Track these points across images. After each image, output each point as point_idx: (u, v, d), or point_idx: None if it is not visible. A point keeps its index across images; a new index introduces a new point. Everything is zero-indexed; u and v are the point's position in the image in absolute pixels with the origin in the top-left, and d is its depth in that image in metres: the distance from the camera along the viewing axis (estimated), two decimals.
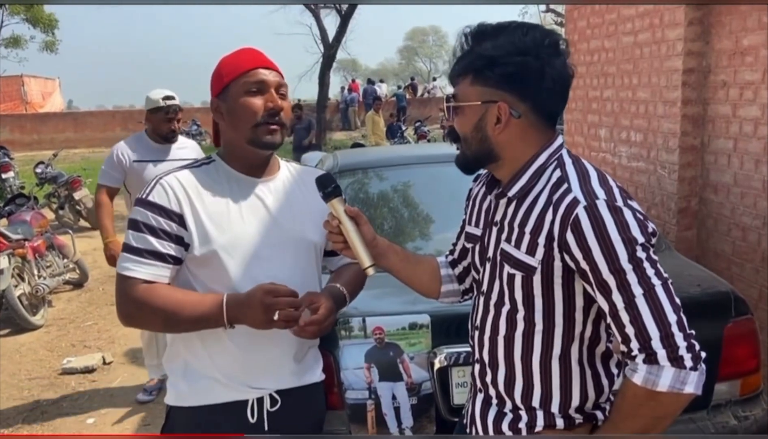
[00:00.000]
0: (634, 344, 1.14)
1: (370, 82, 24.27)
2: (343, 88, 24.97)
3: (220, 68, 1.55)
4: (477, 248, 1.42)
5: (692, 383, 1.11)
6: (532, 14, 23.76)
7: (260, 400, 1.54)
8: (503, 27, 1.28)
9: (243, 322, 1.44)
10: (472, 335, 1.43)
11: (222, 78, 1.53)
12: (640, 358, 1.14)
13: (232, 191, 1.54)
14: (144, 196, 1.49)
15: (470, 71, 1.28)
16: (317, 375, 1.67)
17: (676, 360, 1.11)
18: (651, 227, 1.19)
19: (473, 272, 1.48)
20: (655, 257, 1.16)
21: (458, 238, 1.58)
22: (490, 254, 1.35)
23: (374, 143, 10.98)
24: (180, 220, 1.47)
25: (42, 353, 4.60)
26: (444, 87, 35.81)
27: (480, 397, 1.41)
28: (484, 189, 1.43)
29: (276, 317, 1.40)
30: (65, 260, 5.93)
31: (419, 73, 54.46)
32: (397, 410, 1.99)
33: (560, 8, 15.34)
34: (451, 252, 1.60)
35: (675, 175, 4.13)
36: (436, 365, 1.99)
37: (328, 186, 1.42)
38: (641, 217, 1.18)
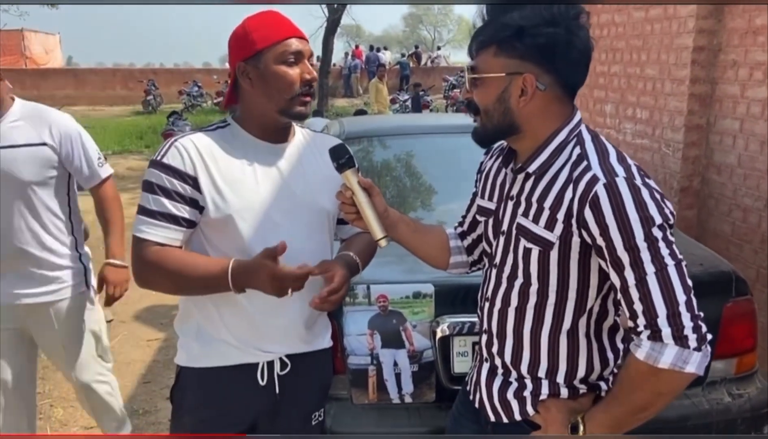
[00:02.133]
0: (641, 321, 1.16)
1: (373, 48, 23.98)
2: (347, 54, 24.64)
3: (248, 32, 1.50)
4: (490, 221, 1.43)
5: (694, 363, 1.13)
6: None
7: (270, 363, 1.57)
8: None
9: (252, 287, 1.45)
10: (481, 307, 1.44)
11: (253, 44, 1.49)
12: (645, 334, 1.16)
13: (247, 156, 1.53)
14: (159, 158, 1.48)
15: (494, 42, 1.26)
16: (326, 341, 1.70)
17: (680, 339, 1.12)
18: (669, 207, 1.20)
19: (485, 245, 1.48)
20: (672, 238, 1.17)
21: (468, 210, 1.59)
22: (505, 227, 1.36)
23: (377, 111, 10.90)
24: (194, 183, 1.47)
25: None
26: (448, 56, 35.41)
27: (486, 366, 1.44)
28: (498, 163, 1.44)
29: (289, 295, 1.42)
30: None
31: (423, 41, 53.75)
32: (398, 376, 2.02)
33: None
34: (460, 224, 1.61)
35: (679, 153, 4.13)
36: (438, 334, 2.02)
37: (342, 157, 1.41)
38: (659, 197, 1.19)
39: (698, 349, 1.13)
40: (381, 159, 3.11)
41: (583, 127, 1.30)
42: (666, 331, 1.13)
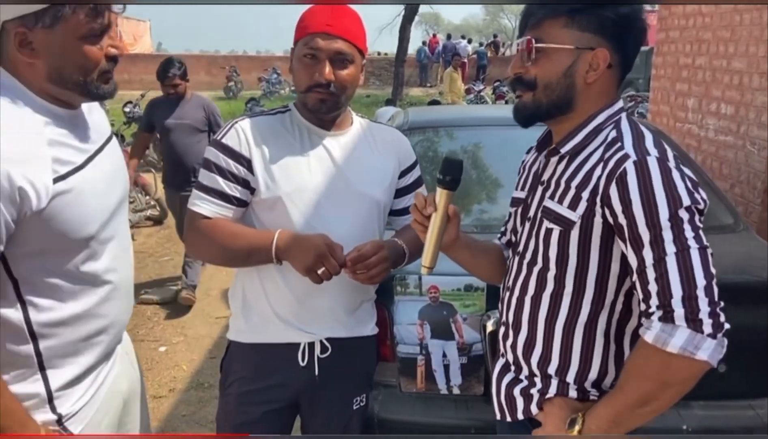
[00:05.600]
0: (654, 301, 1.08)
1: (450, 37, 23.74)
2: (424, 43, 24.52)
3: (299, 20, 1.56)
4: (519, 210, 1.39)
5: (707, 350, 1.03)
6: None
7: (311, 345, 1.61)
8: None
9: (289, 259, 1.49)
10: (502, 297, 1.41)
11: (295, 34, 1.55)
12: (656, 315, 1.07)
13: (302, 141, 1.58)
14: (219, 138, 1.56)
15: (564, 12, 1.20)
16: (369, 329, 1.72)
17: (693, 322, 1.04)
18: (701, 195, 1.13)
19: (511, 235, 1.45)
20: (699, 224, 1.10)
21: (509, 216, 1.54)
22: (532, 213, 1.32)
23: (451, 101, 10.81)
24: (248, 164, 1.53)
25: None
26: None
27: (501, 361, 1.41)
28: (536, 153, 1.41)
29: (320, 272, 1.45)
30: (147, 197, 6.27)
31: (504, 30, 52.73)
32: (446, 367, 2.03)
33: None
34: (503, 233, 1.56)
35: (764, 152, 3.89)
36: (489, 328, 2.01)
37: (452, 175, 1.30)
38: (691, 184, 1.12)
39: (713, 335, 1.04)
40: (445, 149, 3.10)
41: (623, 115, 1.26)
42: (679, 312, 1.05)
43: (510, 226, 1.50)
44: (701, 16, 4.84)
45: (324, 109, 1.55)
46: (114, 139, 1.45)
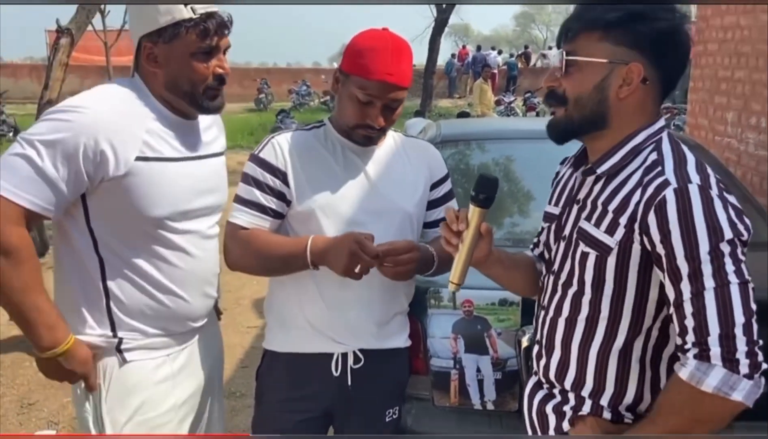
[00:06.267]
0: (690, 337, 1.07)
1: (480, 48, 23.73)
2: (453, 56, 24.54)
3: (353, 47, 1.57)
4: (553, 226, 1.37)
5: (742, 391, 1.02)
6: None
7: (344, 356, 1.63)
8: None
9: (326, 263, 1.52)
10: (537, 316, 1.39)
11: (349, 63, 1.55)
12: (692, 352, 1.07)
13: (335, 156, 1.63)
14: (256, 153, 1.63)
15: (599, 26, 1.17)
16: (401, 341, 1.73)
17: (729, 362, 1.03)
18: (745, 223, 1.10)
19: (545, 252, 1.42)
20: (742, 257, 1.07)
21: (542, 229, 1.51)
22: (567, 232, 1.30)
23: (480, 113, 10.78)
24: (283, 177, 1.59)
25: None
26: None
27: (534, 379, 1.39)
28: (571, 169, 1.38)
29: (357, 270, 1.47)
30: None
31: (534, 41, 52.45)
32: (480, 382, 2.02)
33: None
34: (536, 244, 1.53)
35: None
36: (524, 344, 1.99)
37: (486, 193, 1.27)
38: (733, 212, 1.09)
39: (749, 376, 1.02)
40: (477, 162, 3.09)
41: (664, 135, 1.22)
42: (715, 350, 1.03)
43: (542, 238, 1.47)
44: (740, 30, 4.76)
45: (369, 144, 1.62)
46: (223, 157, 1.67)
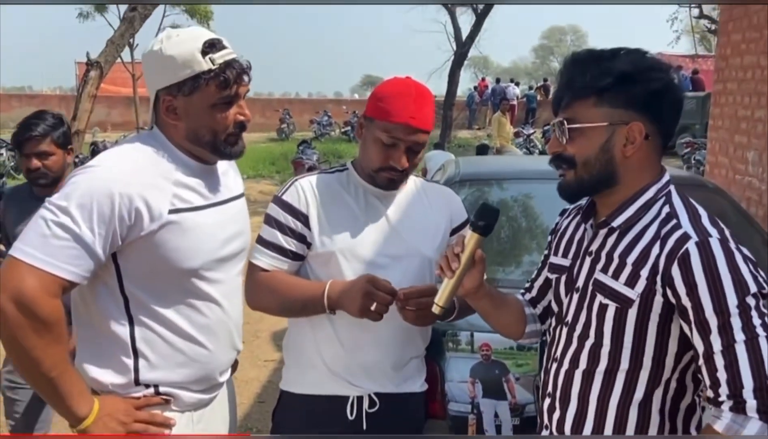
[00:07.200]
0: (723, 390, 1.08)
1: (499, 81, 23.89)
2: (475, 88, 24.72)
3: (377, 94, 1.62)
4: (563, 278, 1.37)
5: None
6: (683, 19, 22.20)
7: (360, 399, 1.64)
8: (616, 50, 1.24)
9: (342, 307, 1.54)
10: (547, 368, 1.38)
11: (373, 108, 1.60)
12: (727, 405, 1.08)
13: (357, 200, 1.66)
14: (280, 195, 1.67)
15: (593, 92, 1.22)
16: (418, 385, 1.73)
17: (766, 414, 1.04)
18: (762, 276, 1.13)
19: (553, 304, 1.42)
20: (765, 310, 1.10)
21: (538, 274, 1.53)
22: (580, 284, 1.31)
23: (499, 145, 10.82)
24: (305, 220, 1.62)
25: None
26: None
27: (545, 433, 1.38)
28: (576, 220, 1.40)
29: (372, 308, 1.48)
30: None
31: (553, 73, 52.55)
32: (498, 427, 2.01)
33: (716, 14, 14.23)
34: (528, 289, 1.54)
35: None
36: None
37: (486, 220, 1.33)
38: (752, 265, 1.12)
39: None
40: (496, 199, 3.11)
41: (672, 188, 1.26)
42: (751, 403, 1.05)
43: (538, 284, 1.51)
44: (760, 69, 4.77)
45: (391, 187, 1.64)
46: (243, 198, 1.66)
